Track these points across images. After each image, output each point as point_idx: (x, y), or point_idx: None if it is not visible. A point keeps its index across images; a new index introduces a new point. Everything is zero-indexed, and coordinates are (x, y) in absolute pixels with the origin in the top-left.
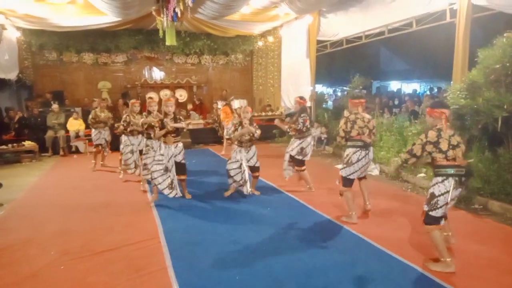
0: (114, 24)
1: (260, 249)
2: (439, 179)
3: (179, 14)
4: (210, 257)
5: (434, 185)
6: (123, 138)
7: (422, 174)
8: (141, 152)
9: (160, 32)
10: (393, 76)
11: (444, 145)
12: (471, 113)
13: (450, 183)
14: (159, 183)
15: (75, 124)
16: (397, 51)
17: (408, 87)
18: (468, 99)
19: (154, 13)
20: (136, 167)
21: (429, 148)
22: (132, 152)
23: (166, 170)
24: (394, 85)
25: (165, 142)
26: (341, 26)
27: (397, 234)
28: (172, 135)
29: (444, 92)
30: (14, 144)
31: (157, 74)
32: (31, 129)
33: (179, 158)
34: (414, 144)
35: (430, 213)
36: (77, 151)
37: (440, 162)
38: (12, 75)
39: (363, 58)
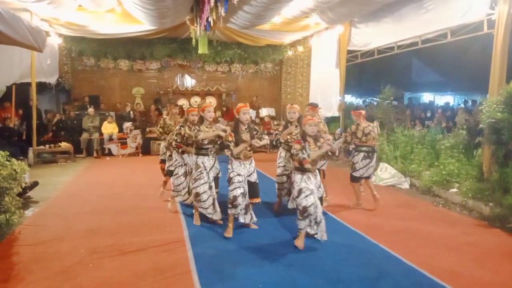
0: (149, 32)
1: (284, 259)
2: (355, 153)
3: (211, 24)
4: (233, 263)
5: (353, 157)
6: (174, 155)
7: (455, 190)
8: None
9: (193, 41)
10: (425, 88)
11: (359, 134)
12: (508, 127)
13: (361, 155)
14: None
15: (109, 128)
16: (430, 62)
17: (441, 100)
18: (506, 112)
19: (188, 22)
20: (189, 193)
21: (353, 135)
22: (185, 174)
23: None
24: (426, 97)
25: (239, 159)
26: (372, 36)
27: (426, 249)
28: (248, 148)
29: (479, 105)
30: (51, 145)
31: (189, 82)
32: (67, 131)
33: (254, 177)
34: (347, 135)
35: (353, 174)
36: (110, 154)
37: (357, 143)
38: (53, 79)
39: (395, 68)
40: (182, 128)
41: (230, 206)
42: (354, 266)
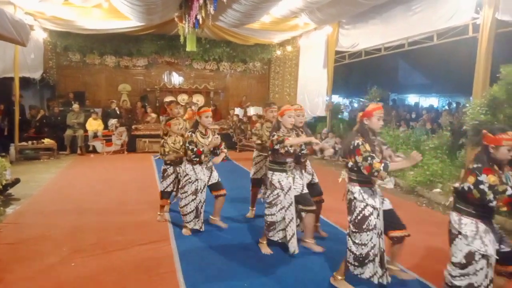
0: (137, 28)
1: (270, 257)
2: None
3: (200, 21)
4: (219, 263)
5: None
6: (186, 168)
7: (438, 190)
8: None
9: (181, 38)
10: (411, 90)
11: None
12: None
13: None
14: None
15: (94, 124)
16: (416, 65)
17: (426, 101)
18: (489, 115)
19: (176, 19)
20: (197, 216)
21: None
22: (196, 192)
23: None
24: (412, 99)
25: (369, 184)
26: (360, 37)
27: (410, 249)
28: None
29: (463, 107)
30: (34, 141)
31: (176, 79)
32: (51, 127)
33: (388, 203)
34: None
35: None
36: (94, 151)
37: None
38: (37, 75)
39: (381, 70)
40: (193, 134)
41: (358, 262)
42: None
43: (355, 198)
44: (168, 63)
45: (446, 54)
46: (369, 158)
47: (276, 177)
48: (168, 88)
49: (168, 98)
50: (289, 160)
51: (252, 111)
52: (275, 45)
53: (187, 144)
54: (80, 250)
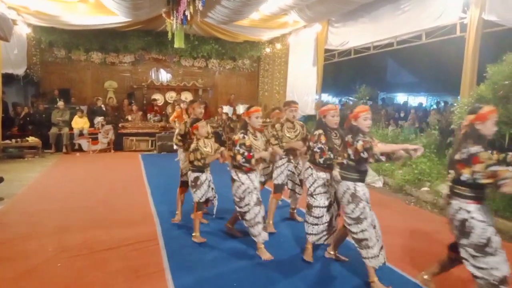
0: (124, 24)
1: (259, 258)
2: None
3: (188, 17)
4: (208, 262)
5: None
6: (240, 177)
7: (426, 188)
8: None
9: (169, 34)
10: (399, 88)
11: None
12: None
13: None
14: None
15: (79, 122)
16: (405, 63)
17: (415, 100)
18: None
19: (164, 15)
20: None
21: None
22: (259, 202)
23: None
24: (400, 98)
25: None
26: (349, 36)
27: (398, 248)
28: None
29: (451, 106)
30: (18, 140)
31: (164, 76)
32: (35, 125)
33: None
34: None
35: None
36: (80, 149)
37: None
38: (20, 71)
39: (370, 69)
40: (245, 136)
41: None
42: (329, 266)
43: (472, 217)
44: (155, 59)
45: (434, 53)
46: (493, 166)
47: (361, 189)
48: (156, 85)
49: (155, 96)
50: (367, 166)
51: (241, 109)
52: (264, 42)
53: (237, 148)
54: (66, 250)
